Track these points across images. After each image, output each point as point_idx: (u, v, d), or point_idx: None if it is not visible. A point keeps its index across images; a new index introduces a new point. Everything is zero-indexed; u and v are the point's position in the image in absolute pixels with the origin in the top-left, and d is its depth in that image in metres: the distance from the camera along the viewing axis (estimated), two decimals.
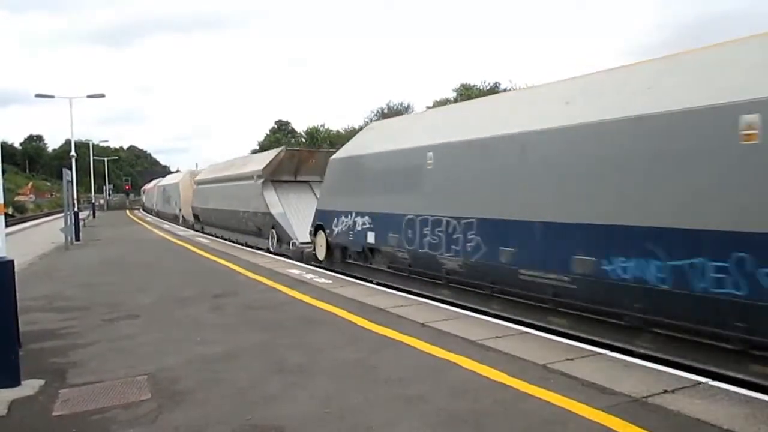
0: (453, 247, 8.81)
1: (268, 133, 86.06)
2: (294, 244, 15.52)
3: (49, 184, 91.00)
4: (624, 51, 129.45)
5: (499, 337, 6.19)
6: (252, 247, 18.17)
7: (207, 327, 7.09)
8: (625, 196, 6.21)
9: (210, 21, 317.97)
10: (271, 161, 17.60)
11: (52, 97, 28.93)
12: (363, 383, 4.89)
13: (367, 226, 11.32)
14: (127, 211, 59.76)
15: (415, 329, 6.62)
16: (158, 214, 44.67)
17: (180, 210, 33.82)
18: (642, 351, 5.91)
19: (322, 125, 74.01)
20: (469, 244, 8.45)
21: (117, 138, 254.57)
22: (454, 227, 8.77)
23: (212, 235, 24.03)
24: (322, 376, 5.07)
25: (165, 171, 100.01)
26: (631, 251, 6.07)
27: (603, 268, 6.36)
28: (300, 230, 15.64)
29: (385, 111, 67.66)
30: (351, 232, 11.95)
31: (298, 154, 18.63)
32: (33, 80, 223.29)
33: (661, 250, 5.77)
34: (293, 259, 14.40)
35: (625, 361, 5.30)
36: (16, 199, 61.08)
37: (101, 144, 72.59)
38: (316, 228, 13.63)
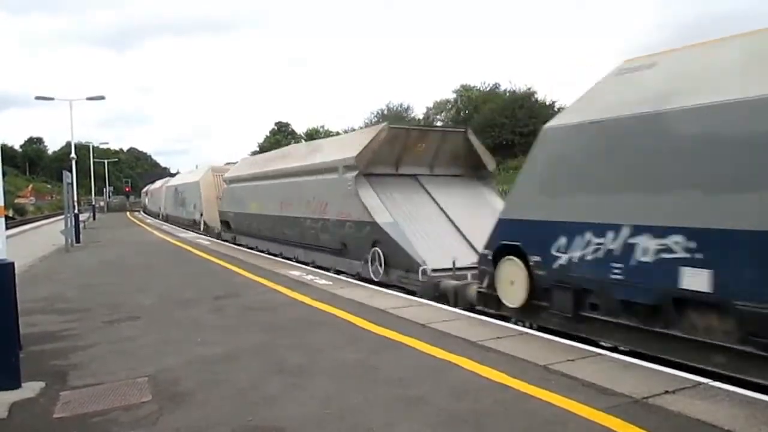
0: None
1: (268, 134, 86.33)
2: (425, 272, 9.79)
3: (49, 186, 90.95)
4: (624, 51, 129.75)
5: (500, 337, 6.19)
6: (326, 269, 12.74)
7: (207, 328, 7.09)
8: None
9: (210, 22, 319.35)
10: (368, 144, 11.81)
11: (52, 99, 29.03)
12: (363, 384, 4.89)
13: (680, 255, 5.44)
14: (128, 213, 59.96)
15: (416, 330, 6.62)
16: (167, 219, 39.41)
17: (201, 215, 27.81)
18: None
19: (322, 126, 74.26)
20: None
21: (117, 140, 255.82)
22: None
23: (251, 248, 18.44)
24: (322, 377, 5.07)
25: (165, 173, 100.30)
26: None
27: None
28: (426, 250, 10.36)
29: (385, 112, 67.84)
30: (616, 265, 6.07)
31: (404, 134, 12.46)
32: (33, 82, 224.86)
33: None
34: (424, 298, 9.02)
35: (625, 361, 5.30)
36: (16, 201, 61.14)
37: (101, 146, 72.29)
38: (500, 251, 7.78)
